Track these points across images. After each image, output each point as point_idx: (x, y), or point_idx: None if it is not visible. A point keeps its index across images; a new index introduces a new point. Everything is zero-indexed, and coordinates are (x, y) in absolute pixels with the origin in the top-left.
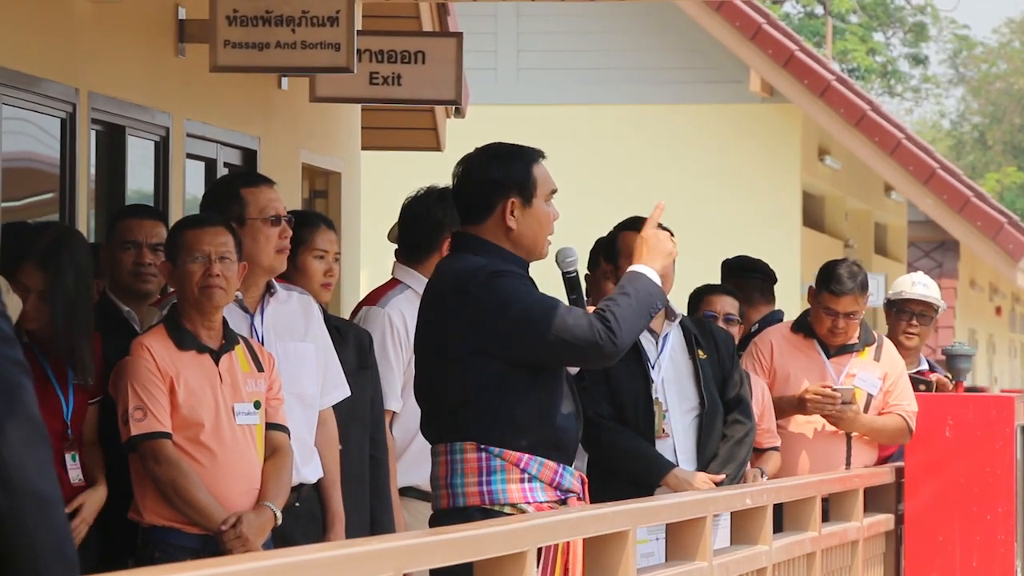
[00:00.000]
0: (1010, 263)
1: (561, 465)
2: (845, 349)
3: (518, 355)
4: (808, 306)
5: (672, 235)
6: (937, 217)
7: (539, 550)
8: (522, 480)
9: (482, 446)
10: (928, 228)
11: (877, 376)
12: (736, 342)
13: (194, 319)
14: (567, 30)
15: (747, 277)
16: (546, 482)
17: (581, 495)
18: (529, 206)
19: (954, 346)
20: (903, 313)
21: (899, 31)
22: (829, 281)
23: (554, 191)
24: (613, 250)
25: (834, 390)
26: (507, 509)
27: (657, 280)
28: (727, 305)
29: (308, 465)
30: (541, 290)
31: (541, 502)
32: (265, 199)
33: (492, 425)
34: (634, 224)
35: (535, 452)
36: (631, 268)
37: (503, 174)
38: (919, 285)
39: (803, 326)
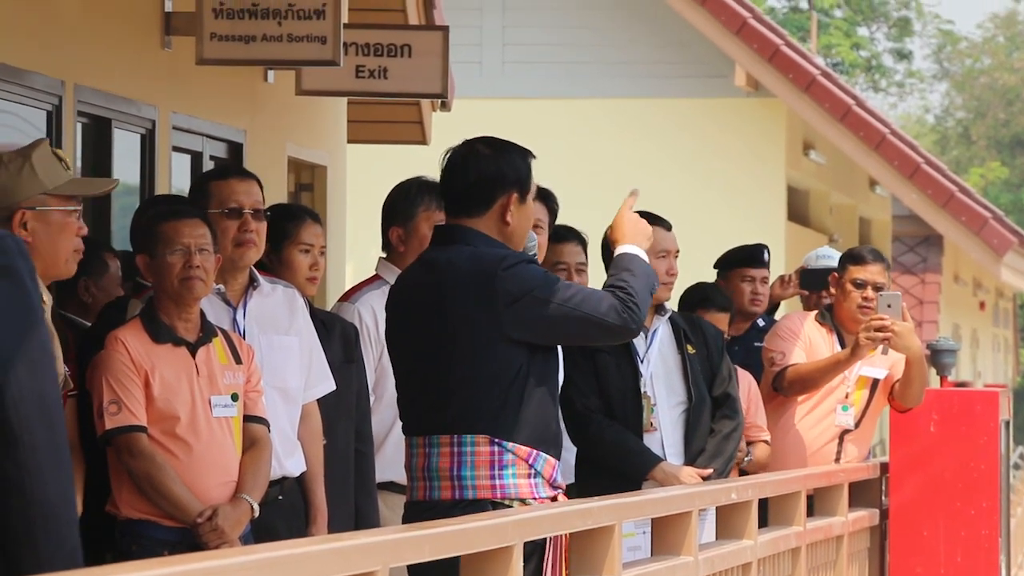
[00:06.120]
0: (994, 258)
1: (556, 461)
2: None
3: (548, 338)
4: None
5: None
6: (921, 212)
7: (544, 543)
8: (529, 475)
9: (495, 440)
10: (912, 223)
11: (883, 366)
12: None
13: (171, 312)
14: (553, 24)
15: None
16: (546, 478)
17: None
18: (523, 203)
19: (938, 341)
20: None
21: (883, 26)
22: (853, 255)
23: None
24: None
25: (880, 315)
26: (516, 504)
27: (647, 259)
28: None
29: (291, 459)
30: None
31: (543, 498)
32: (227, 192)
33: (502, 419)
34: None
35: (538, 448)
36: (622, 250)
37: (510, 169)
38: (823, 258)
39: (827, 318)
